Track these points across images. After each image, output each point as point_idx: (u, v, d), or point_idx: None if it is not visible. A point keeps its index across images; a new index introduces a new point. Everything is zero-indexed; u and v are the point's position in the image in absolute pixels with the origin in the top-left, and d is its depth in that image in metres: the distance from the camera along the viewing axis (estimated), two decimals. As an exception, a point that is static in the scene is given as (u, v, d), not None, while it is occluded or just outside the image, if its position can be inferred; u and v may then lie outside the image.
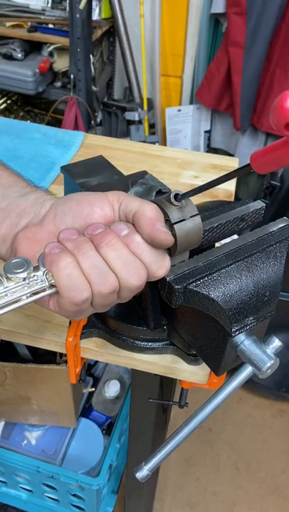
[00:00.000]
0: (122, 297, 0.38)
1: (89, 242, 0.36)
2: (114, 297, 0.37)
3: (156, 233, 0.36)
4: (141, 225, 0.37)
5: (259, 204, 0.49)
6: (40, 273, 0.35)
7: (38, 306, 0.39)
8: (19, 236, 0.40)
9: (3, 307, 0.34)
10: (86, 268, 0.35)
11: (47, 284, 0.35)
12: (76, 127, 1.88)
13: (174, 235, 0.39)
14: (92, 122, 1.97)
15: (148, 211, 0.37)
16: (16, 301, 0.35)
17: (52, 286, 0.35)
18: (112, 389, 1.26)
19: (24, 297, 0.35)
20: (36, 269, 0.35)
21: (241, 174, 0.35)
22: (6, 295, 0.34)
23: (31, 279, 0.35)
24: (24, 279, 0.34)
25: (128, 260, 0.36)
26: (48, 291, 0.35)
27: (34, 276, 0.35)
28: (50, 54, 1.95)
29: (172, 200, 0.38)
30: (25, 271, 0.34)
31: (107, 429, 1.25)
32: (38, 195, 0.43)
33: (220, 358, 0.43)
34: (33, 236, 0.39)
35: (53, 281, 0.35)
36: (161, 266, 0.38)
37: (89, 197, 0.40)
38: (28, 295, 0.35)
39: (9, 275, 0.34)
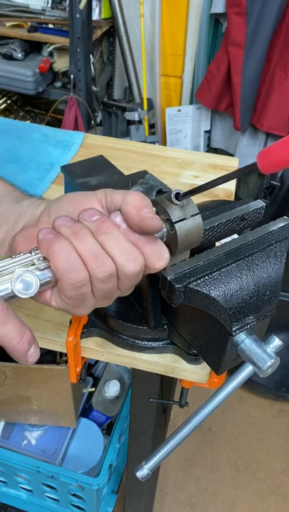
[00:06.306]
0: (122, 287, 0.38)
1: (85, 228, 0.36)
2: (113, 284, 0.37)
3: (143, 220, 0.36)
4: (127, 216, 0.37)
5: (259, 203, 0.49)
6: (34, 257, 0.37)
7: (40, 303, 0.39)
8: (17, 238, 0.41)
9: None
10: (83, 252, 0.35)
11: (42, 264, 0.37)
12: (76, 127, 1.88)
13: (175, 234, 0.39)
14: (92, 122, 1.97)
15: (131, 201, 0.37)
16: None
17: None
18: (112, 389, 1.26)
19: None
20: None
21: (244, 173, 0.35)
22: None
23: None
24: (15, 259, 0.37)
25: (125, 247, 0.36)
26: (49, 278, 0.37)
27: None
28: (50, 54, 1.95)
29: (173, 199, 0.38)
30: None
31: (107, 429, 1.24)
32: (32, 200, 0.45)
33: (220, 357, 0.43)
34: (30, 236, 0.40)
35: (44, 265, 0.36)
36: (160, 257, 0.38)
37: (79, 196, 0.41)
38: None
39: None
